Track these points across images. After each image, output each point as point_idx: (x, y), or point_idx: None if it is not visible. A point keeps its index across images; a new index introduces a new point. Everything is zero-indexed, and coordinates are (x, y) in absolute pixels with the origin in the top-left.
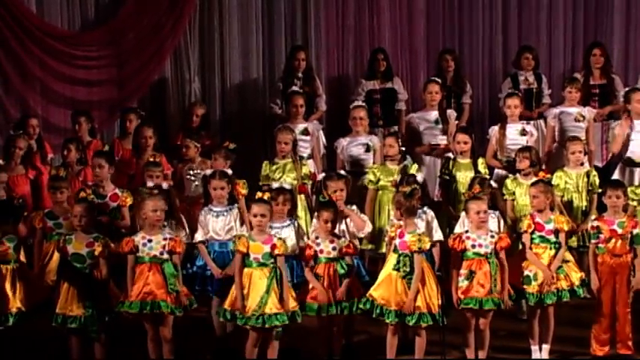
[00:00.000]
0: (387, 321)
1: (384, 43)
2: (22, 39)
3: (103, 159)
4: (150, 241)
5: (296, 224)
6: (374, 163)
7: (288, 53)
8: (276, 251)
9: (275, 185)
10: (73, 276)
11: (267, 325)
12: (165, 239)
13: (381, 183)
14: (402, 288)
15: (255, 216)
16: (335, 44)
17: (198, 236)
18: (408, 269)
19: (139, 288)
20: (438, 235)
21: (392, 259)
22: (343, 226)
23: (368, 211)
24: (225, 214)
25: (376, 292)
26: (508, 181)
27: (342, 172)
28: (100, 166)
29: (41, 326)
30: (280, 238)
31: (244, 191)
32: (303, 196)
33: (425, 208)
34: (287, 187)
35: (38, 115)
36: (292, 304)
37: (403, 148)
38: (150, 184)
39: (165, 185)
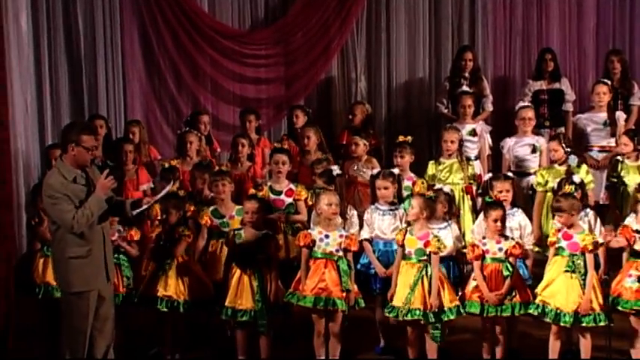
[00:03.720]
0: (562, 324)
1: (551, 44)
2: (195, 37)
3: (286, 156)
4: (327, 236)
5: (453, 226)
6: (540, 164)
7: (455, 53)
8: (429, 249)
9: (436, 187)
10: (246, 263)
11: (408, 319)
12: (341, 236)
13: (550, 185)
14: (576, 290)
15: (412, 207)
16: (502, 45)
17: (364, 234)
18: (582, 270)
19: (313, 283)
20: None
21: (560, 262)
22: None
23: (536, 214)
24: (391, 213)
25: (548, 295)
26: None
27: (509, 173)
28: (283, 163)
29: (204, 319)
30: (436, 236)
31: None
32: (468, 196)
33: (587, 210)
34: (446, 190)
35: (209, 113)
36: (448, 303)
37: (568, 149)
38: (319, 181)
39: (336, 171)
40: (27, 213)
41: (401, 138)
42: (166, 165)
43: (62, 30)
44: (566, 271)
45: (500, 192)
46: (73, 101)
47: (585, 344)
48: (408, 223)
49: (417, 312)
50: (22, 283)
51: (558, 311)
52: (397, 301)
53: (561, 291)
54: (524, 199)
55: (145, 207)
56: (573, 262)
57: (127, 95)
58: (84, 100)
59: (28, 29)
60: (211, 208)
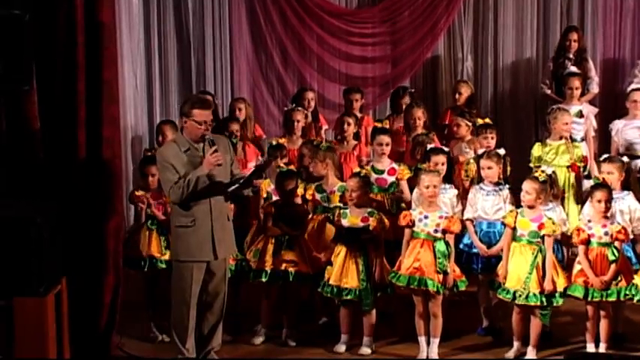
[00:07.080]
0: None
1: None
2: (302, 15)
3: (388, 136)
4: (426, 217)
5: (558, 208)
6: None
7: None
8: (543, 231)
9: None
10: (352, 241)
11: (529, 303)
12: (440, 217)
13: None
14: None
15: (528, 193)
16: (612, 25)
17: (467, 214)
18: None
19: (409, 262)
20: None
21: None
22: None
23: None
24: (495, 193)
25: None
26: None
27: (625, 157)
28: (387, 144)
29: (308, 295)
30: (550, 218)
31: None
32: (574, 176)
33: None
34: (549, 171)
35: (314, 90)
36: (560, 287)
37: None
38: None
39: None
40: (134, 185)
41: (480, 120)
42: (274, 142)
43: (172, 7)
44: None
45: (608, 173)
46: (181, 78)
47: None
48: (519, 206)
49: (534, 297)
50: (128, 256)
51: None
52: (512, 283)
53: None
54: (633, 182)
55: (236, 186)
56: None
57: (234, 72)
58: (192, 77)
59: (139, 6)
60: (316, 183)
